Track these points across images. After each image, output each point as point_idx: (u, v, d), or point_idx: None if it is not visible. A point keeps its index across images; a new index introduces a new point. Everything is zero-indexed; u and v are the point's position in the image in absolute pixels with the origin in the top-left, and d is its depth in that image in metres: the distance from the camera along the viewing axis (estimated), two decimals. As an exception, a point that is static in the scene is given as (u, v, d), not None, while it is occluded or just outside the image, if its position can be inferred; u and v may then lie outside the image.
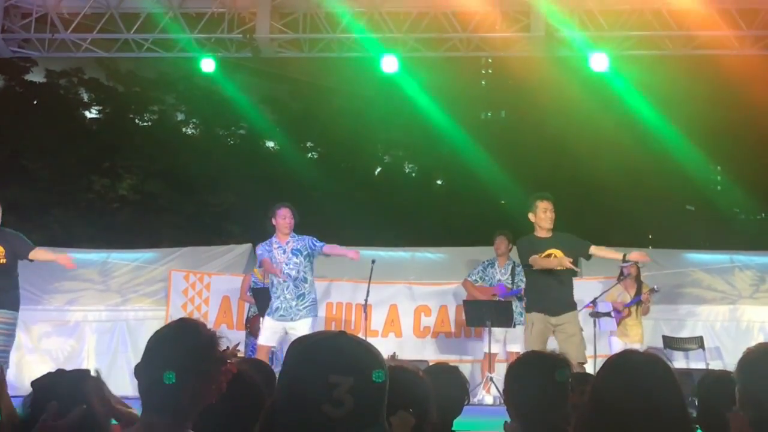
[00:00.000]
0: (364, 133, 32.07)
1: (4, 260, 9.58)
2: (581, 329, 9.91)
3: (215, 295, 13.38)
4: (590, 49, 12.91)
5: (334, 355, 2.11)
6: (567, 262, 9.59)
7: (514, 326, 11.60)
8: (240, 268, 13.90)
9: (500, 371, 11.15)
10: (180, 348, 2.74)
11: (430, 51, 13.86)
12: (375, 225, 23.66)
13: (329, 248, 10.35)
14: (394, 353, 12.43)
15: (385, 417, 2.17)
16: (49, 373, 3.04)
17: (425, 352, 13.11)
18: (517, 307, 11.75)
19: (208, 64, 13.65)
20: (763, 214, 33.58)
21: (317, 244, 10.30)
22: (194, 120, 33.42)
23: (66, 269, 14.02)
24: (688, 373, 10.47)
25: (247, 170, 29.35)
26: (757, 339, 12.90)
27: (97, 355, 13.43)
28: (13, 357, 12.91)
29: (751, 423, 3.17)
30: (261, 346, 10.25)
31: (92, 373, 3.14)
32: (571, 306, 9.83)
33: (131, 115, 32.44)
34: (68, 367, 3.16)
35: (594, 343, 11.50)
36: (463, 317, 12.54)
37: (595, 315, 11.65)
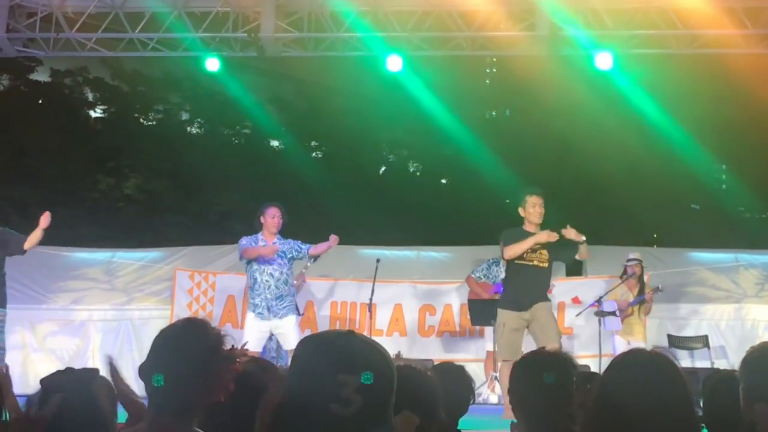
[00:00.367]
0: (369, 132, 32.03)
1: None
2: (554, 317, 9.96)
3: (220, 294, 13.39)
4: (595, 48, 12.90)
5: (343, 354, 2.11)
6: (545, 236, 9.58)
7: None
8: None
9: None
10: (188, 347, 2.73)
11: (435, 50, 13.85)
12: (379, 224, 23.62)
13: (314, 249, 10.37)
14: (399, 352, 12.43)
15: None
16: (58, 371, 3.05)
17: (430, 351, 13.12)
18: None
19: (212, 64, 13.65)
20: (768, 213, 33.52)
21: (303, 246, 10.33)
22: (199, 119, 33.38)
23: (70, 269, 14.10)
24: (693, 372, 10.47)
25: (251, 169, 29.32)
26: (762, 338, 12.90)
27: (102, 354, 13.42)
28: (19, 356, 12.98)
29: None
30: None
31: (106, 361, 3.15)
32: (544, 298, 9.79)
33: (136, 115, 32.43)
34: (73, 366, 3.17)
35: (599, 342, 11.52)
36: (468, 316, 12.56)
37: (600, 314, 11.66)
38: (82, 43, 13.76)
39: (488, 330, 11.89)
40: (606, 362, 3.34)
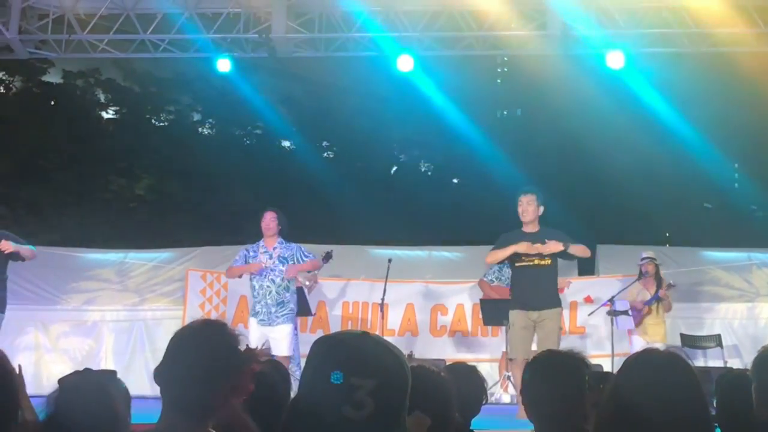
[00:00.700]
0: (380, 132, 32.10)
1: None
2: (560, 327, 9.89)
3: (233, 295, 13.39)
4: (606, 47, 12.86)
5: (356, 356, 2.10)
6: (524, 248, 9.60)
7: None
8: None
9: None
10: (206, 349, 2.73)
11: (446, 50, 13.84)
12: (391, 224, 23.66)
13: (302, 266, 10.35)
14: (411, 352, 12.46)
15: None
16: (76, 372, 3.05)
17: (442, 351, 13.10)
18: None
19: (224, 64, 13.65)
20: (780, 211, 33.45)
21: (308, 255, 10.32)
22: (210, 120, 33.49)
23: (83, 270, 14.14)
24: (706, 371, 10.43)
25: (263, 169, 29.41)
26: (775, 337, 12.89)
27: (114, 354, 13.48)
28: (32, 357, 13.03)
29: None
30: None
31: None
32: (554, 302, 9.78)
33: (148, 116, 32.54)
34: (85, 367, 3.18)
35: (611, 342, 11.49)
36: (480, 316, 12.55)
37: (613, 313, 11.63)
38: (94, 45, 13.79)
39: (502, 330, 11.87)
40: (619, 362, 3.33)
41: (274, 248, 10.21)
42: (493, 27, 12.97)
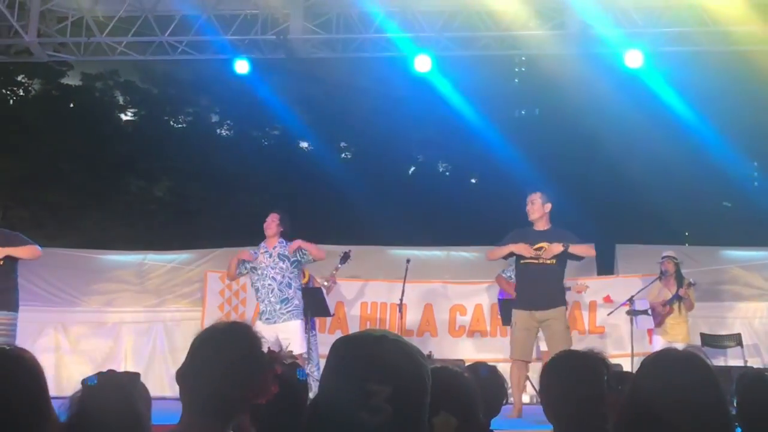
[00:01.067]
0: (398, 132, 32.11)
1: (1, 262, 9.49)
2: (567, 327, 9.83)
3: (252, 296, 13.41)
4: (624, 46, 12.82)
5: (373, 362, 2.08)
6: (521, 249, 9.65)
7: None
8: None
9: (536, 370, 11.12)
10: (230, 350, 2.73)
11: (463, 50, 13.81)
12: (409, 224, 23.66)
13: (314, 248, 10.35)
14: (431, 353, 12.46)
15: (428, 418, 2.16)
16: (100, 373, 3.06)
17: (461, 351, 13.08)
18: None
19: (242, 66, 13.67)
20: (800, 210, 33.28)
21: (303, 250, 10.33)
22: (228, 121, 33.61)
23: (102, 271, 14.20)
24: (726, 370, 10.39)
25: (281, 170, 29.47)
26: (796, 336, 12.85)
27: (134, 355, 13.53)
28: (52, 358, 13.08)
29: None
30: None
31: None
32: (559, 301, 9.73)
33: (166, 117, 32.68)
34: (106, 369, 3.19)
35: (631, 341, 11.46)
36: (499, 316, 12.54)
37: (632, 313, 11.60)
38: (113, 47, 13.83)
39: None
40: (638, 361, 3.33)
41: (274, 248, 10.25)
42: (511, 26, 12.94)
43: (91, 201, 27.17)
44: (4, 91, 30.03)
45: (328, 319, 12.61)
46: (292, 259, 10.21)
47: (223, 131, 33.84)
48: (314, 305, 10.70)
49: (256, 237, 10.53)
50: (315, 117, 31.47)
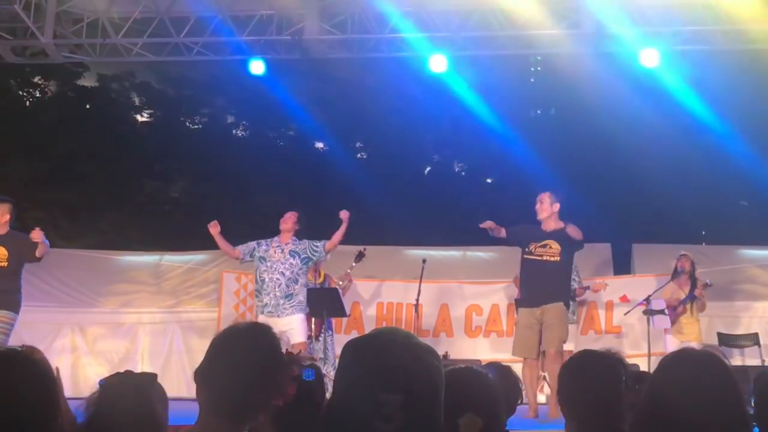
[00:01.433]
0: (413, 132, 32.09)
1: (6, 263, 9.52)
2: (562, 320, 9.71)
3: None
4: (640, 45, 12.78)
5: (384, 371, 2.06)
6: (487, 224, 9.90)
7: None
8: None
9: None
10: (250, 350, 2.72)
11: (479, 49, 13.80)
12: (425, 224, 23.67)
13: (330, 242, 10.35)
14: (447, 353, 12.46)
15: (453, 419, 2.14)
16: (118, 374, 3.07)
17: (477, 351, 13.08)
18: (570, 305, 11.67)
19: (257, 67, 13.69)
20: (817, 209, 33.11)
21: (318, 244, 10.33)
22: (244, 122, 33.65)
23: (119, 272, 14.23)
24: (743, 370, 10.36)
25: (296, 171, 29.49)
26: (813, 335, 12.79)
27: (150, 356, 13.56)
28: (69, 359, 13.13)
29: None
30: None
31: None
32: (556, 297, 9.67)
33: (182, 118, 32.75)
34: (123, 369, 3.19)
35: (648, 341, 11.42)
36: (515, 316, 12.53)
37: (649, 312, 11.55)
38: (128, 48, 13.86)
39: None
40: (655, 361, 3.32)
41: (287, 243, 10.30)
42: (526, 26, 12.91)
43: (107, 202, 27.24)
44: (20, 92, 30.14)
45: (344, 320, 12.62)
46: (302, 257, 10.25)
47: (238, 132, 33.89)
48: (330, 306, 10.72)
49: (272, 236, 10.55)
50: (330, 117, 31.47)
